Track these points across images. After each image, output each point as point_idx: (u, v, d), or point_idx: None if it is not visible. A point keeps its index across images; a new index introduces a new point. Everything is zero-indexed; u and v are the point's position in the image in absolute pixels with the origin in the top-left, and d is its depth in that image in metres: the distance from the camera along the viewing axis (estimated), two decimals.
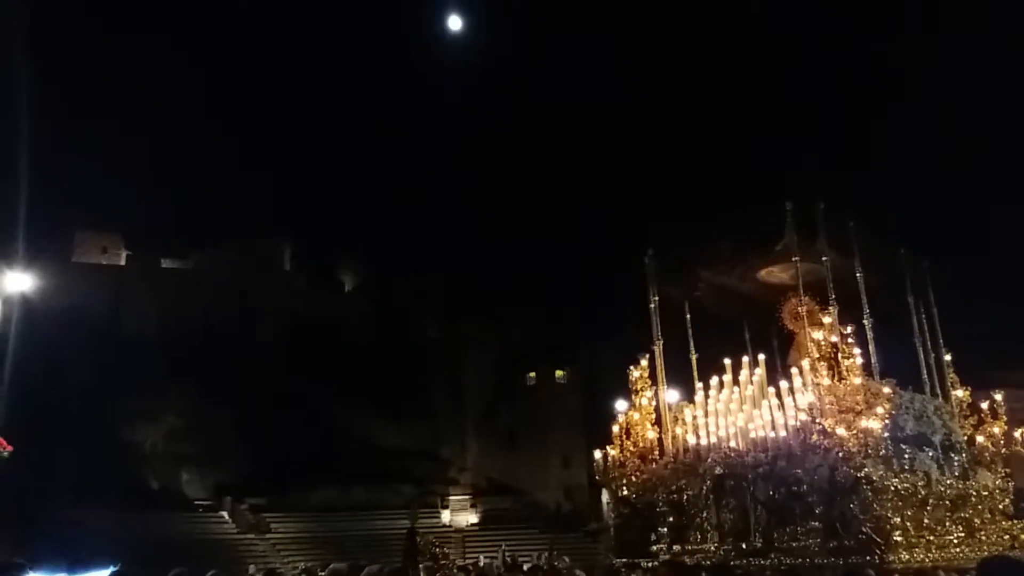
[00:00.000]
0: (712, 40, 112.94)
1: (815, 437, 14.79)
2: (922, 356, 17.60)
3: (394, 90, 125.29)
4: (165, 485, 60.88)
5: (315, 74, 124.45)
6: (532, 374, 69.90)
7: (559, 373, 69.76)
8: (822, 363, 15.11)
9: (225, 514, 57.72)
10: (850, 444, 14.36)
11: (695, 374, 18.41)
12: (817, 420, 14.74)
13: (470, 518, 62.20)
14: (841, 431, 14.43)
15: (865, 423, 14.38)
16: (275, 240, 76.56)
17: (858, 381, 14.93)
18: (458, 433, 69.13)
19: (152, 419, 62.10)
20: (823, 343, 15.29)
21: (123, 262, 72.95)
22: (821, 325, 15.74)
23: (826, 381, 14.96)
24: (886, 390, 14.97)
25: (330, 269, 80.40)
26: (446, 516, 61.64)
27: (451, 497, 63.23)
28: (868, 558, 13.64)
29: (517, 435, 67.89)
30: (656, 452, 17.30)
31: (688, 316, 19.24)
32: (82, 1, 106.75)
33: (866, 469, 14.31)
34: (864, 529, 14.06)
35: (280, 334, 67.80)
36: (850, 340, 15.47)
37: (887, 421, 14.72)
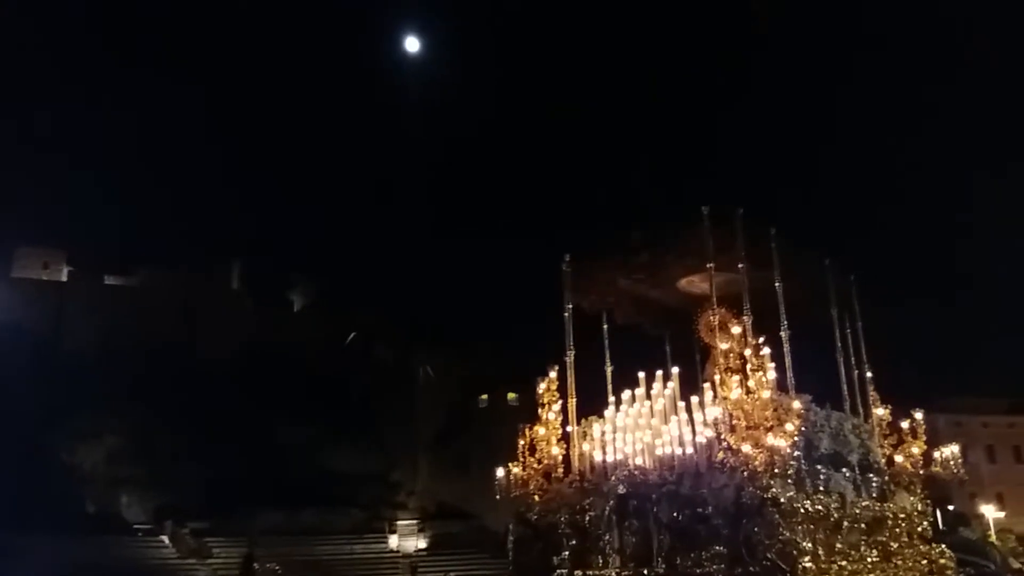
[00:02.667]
0: (632, 52, 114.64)
1: (720, 455, 13.85)
2: (843, 372, 16.74)
3: (350, 115, 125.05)
4: (104, 509, 59.19)
5: (270, 93, 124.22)
6: (484, 396, 69.03)
7: (511, 396, 68.68)
8: (730, 376, 14.20)
9: (165, 538, 55.99)
10: (756, 463, 13.43)
11: (609, 387, 17.48)
12: (722, 437, 13.81)
13: (418, 543, 60.92)
14: (747, 448, 13.50)
15: (772, 441, 13.45)
16: (223, 258, 75.41)
17: (768, 395, 13.99)
18: (409, 457, 67.93)
19: (92, 440, 60.51)
20: (732, 355, 14.40)
21: (65, 278, 71.46)
22: (732, 336, 14.82)
23: (734, 395, 14.03)
24: (796, 405, 14.01)
25: (280, 289, 79.17)
26: (393, 541, 60.19)
27: (399, 522, 61.91)
28: None
29: (469, 458, 66.73)
30: (561, 470, 16.28)
31: (605, 327, 18.33)
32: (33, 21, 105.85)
33: (773, 490, 13.38)
34: (769, 555, 13.11)
35: (227, 354, 66.41)
36: (762, 352, 14.54)
37: (797, 439, 13.77)
